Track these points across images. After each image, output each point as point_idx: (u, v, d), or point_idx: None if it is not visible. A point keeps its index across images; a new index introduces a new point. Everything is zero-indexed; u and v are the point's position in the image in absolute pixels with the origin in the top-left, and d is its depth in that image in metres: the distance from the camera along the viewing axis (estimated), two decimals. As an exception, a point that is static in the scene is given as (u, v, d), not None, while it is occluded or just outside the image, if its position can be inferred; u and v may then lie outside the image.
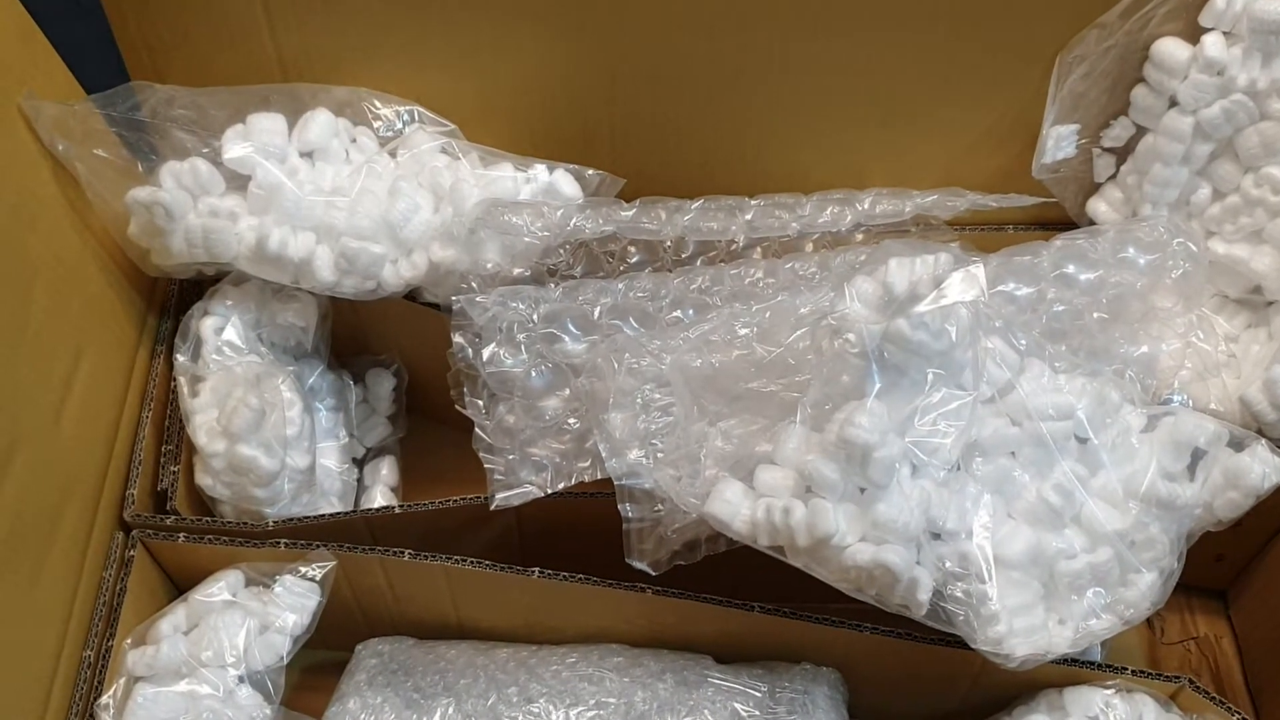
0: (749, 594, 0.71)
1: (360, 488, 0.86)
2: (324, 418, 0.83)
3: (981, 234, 0.86)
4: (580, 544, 0.72)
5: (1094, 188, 0.83)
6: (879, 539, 0.59)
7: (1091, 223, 0.83)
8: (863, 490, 0.59)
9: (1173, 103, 0.77)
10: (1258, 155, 0.76)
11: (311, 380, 0.82)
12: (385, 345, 0.88)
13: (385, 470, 0.86)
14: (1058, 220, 0.85)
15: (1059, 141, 0.80)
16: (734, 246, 0.78)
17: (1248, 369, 0.77)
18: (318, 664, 0.80)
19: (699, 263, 0.78)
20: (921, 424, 0.59)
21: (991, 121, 0.82)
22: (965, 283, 0.56)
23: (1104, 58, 0.77)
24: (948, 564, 0.60)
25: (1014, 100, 0.80)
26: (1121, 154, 0.82)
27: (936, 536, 0.61)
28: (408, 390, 0.89)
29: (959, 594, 0.60)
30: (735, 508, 0.61)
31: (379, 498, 0.84)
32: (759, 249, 0.79)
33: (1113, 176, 0.83)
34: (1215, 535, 0.81)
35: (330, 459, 0.82)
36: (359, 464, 0.87)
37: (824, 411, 0.59)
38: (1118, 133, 0.80)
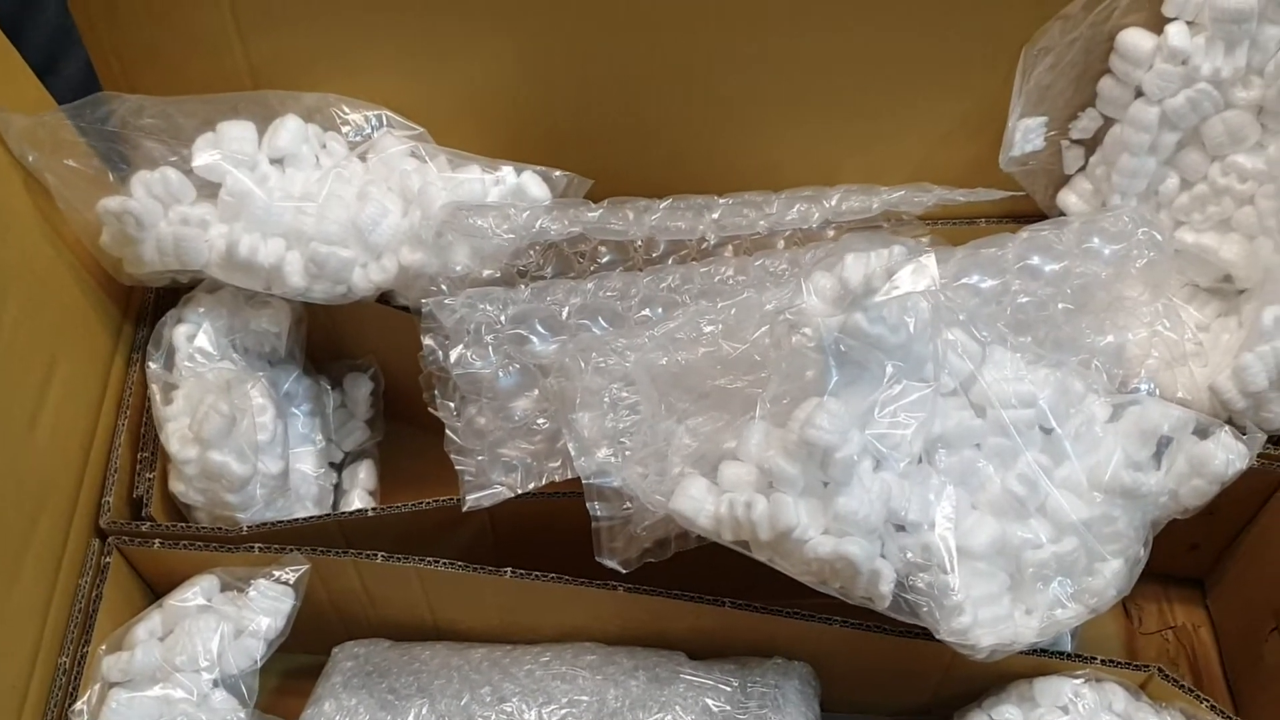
0: (724, 591, 0.71)
1: (338, 492, 0.86)
2: (300, 422, 0.83)
3: (953, 227, 0.86)
4: (555, 544, 0.72)
5: (1064, 180, 0.84)
6: (840, 531, 0.59)
7: (1062, 215, 0.83)
8: (825, 484, 0.60)
9: (1138, 93, 0.77)
10: (1223, 144, 0.76)
11: (287, 385, 0.82)
12: (362, 349, 0.88)
13: (363, 474, 0.87)
14: (1030, 213, 0.85)
15: (1027, 134, 0.81)
16: (705, 245, 0.79)
17: (1218, 357, 0.78)
18: (298, 668, 0.81)
19: (670, 261, 0.78)
20: (881, 417, 0.59)
21: (962, 113, 0.82)
22: (916, 274, 0.57)
23: (1069, 49, 0.77)
24: (909, 555, 0.60)
25: (984, 92, 0.81)
26: (1090, 145, 0.82)
27: (901, 529, 0.62)
28: (386, 394, 0.90)
29: (921, 585, 0.60)
30: (700, 504, 0.62)
31: (356, 501, 0.85)
32: (730, 247, 0.79)
33: (1082, 168, 0.83)
34: (1189, 524, 0.81)
35: (306, 464, 0.82)
36: (337, 468, 0.87)
37: (783, 406, 0.59)
38: (1085, 124, 0.81)
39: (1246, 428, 0.68)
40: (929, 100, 0.81)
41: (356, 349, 0.89)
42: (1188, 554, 0.86)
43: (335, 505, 0.85)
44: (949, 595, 0.60)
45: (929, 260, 0.57)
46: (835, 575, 0.60)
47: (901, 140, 0.84)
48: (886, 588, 0.60)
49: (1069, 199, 0.83)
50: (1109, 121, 0.80)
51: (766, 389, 0.60)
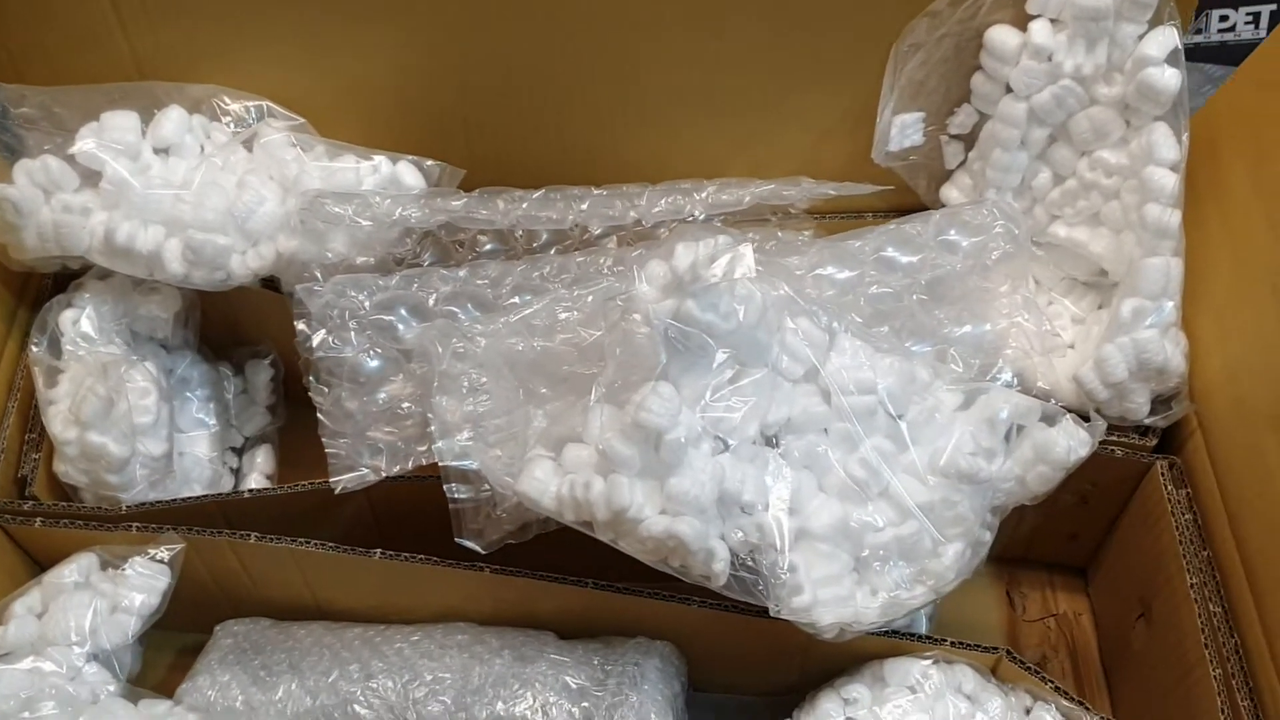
0: (608, 575, 0.73)
1: (239, 476, 0.88)
2: (195, 407, 0.85)
3: (839, 221, 0.87)
4: (433, 526, 0.73)
5: (946, 175, 0.85)
6: (675, 512, 0.60)
7: (945, 209, 0.85)
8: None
9: (1008, 89, 0.78)
10: (1089, 140, 0.77)
11: (180, 370, 0.84)
12: (262, 336, 0.90)
13: (261, 459, 0.88)
14: (916, 207, 0.86)
15: (904, 129, 0.82)
16: (587, 236, 0.80)
17: (1089, 349, 0.79)
18: (192, 646, 0.82)
19: (553, 252, 0.80)
20: (715, 401, 0.61)
21: (842, 110, 0.84)
22: (733, 262, 0.58)
23: (939, 46, 0.79)
24: (739, 534, 0.61)
25: (861, 89, 0.82)
26: (969, 140, 0.83)
27: (743, 510, 0.63)
28: (288, 380, 0.91)
29: (753, 564, 0.62)
30: (544, 485, 0.63)
31: (253, 485, 0.87)
32: (615, 238, 0.81)
33: (963, 163, 0.84)
34: (1068, 513, 0.83)
35: (200, 447, 0.84)
36: (238, 453, 0.89)
37: (616, 390, 0.61)
38: (962, 120, 0.82)
39: (1090, 416, 0.70)
40: (808, 97, 0.83)
41: (257, 336, 0.90)
42: (1068, 544, 0.88)
43: (235, 489, 0.87)
44: (781, 574, 0.62)
45: (746, 249, 0.59)
46: (673, 554, 0.62)
47: (783, 137, 0.85)
48: (720, 566, 0.61)
49: (951, 193, 0.85)
50: (985, 117, 0.81)
51: (603, 373, 0.62)
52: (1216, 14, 1.28)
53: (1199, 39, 1.27)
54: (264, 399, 0.90)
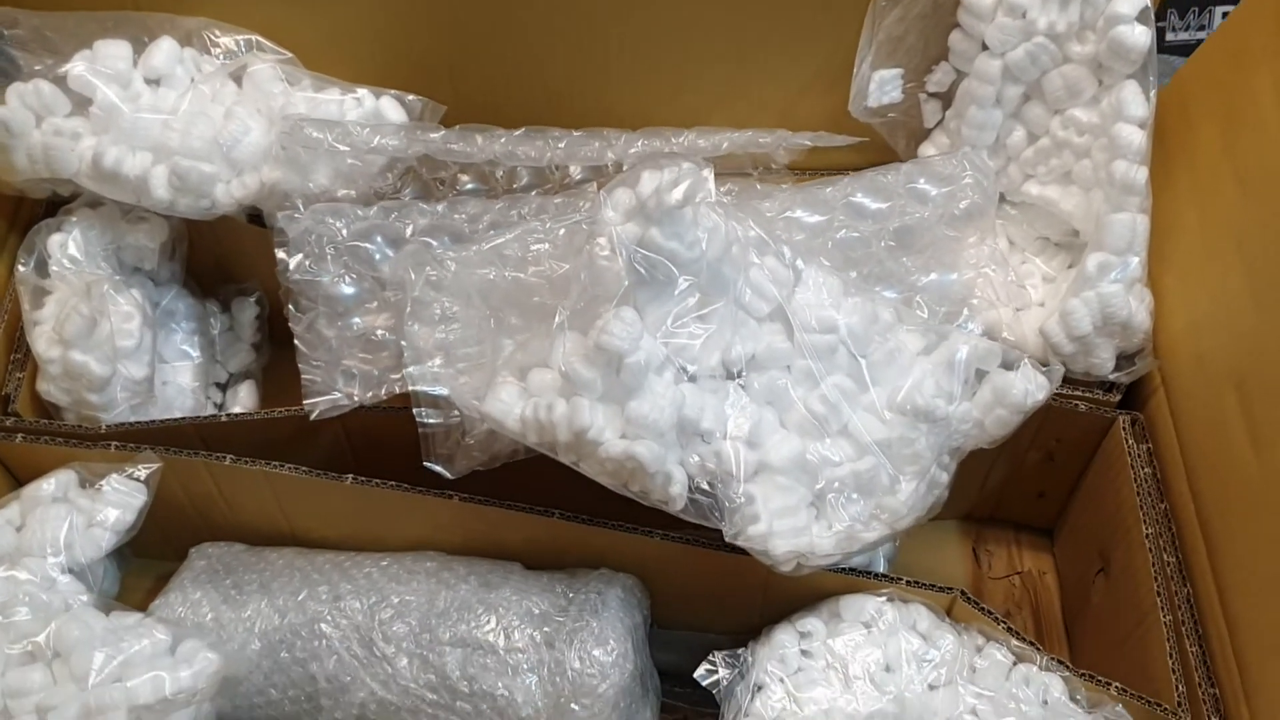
0: (586, 511, 0.74)
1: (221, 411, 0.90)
2: (179, 338, 0.87)
3: (820, 177, 0.88)
4: (409, 460, 0.75)
5: (925, 133, 0.86)
6: (635, 435, 0.62)
7: (923, 167, 0.86)
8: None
9: (984, 46, 0.80)
10: (1062, 98, 0.79)
11: (166, 301, 0.85)
12: (249, 274, 0.92)
13: (244, 394, 0.90)
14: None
15: (882, 85, 0.83)
16: (567, 180, 0.82)
17: (1058, 305, 0.80)
18: (170, 573, 0.83)
19: (533, 194, 0.81)
20: (677, 327, 0.62)
21: (819, 65, 0.85)
22: (694, 186, 0.60)
23: (916, 2, 0.80)
24: (695, 458, 0.63)
25: (839, 44, 0.84)
26: (947, 99, 0.85)
27: (703, 438, 0.65)
28: (275, 319, 0.93)
29: (710, 488, 0.63)
30: (509, 407, 0.65)
31: (234, 417, 0.88)
32: (595, 184, 0.83)
33: (940, 121, 0.86)
34: (1035, 471, 0.84)
35: (184, 378, 0.86)
36: (222, 389, 0.91)
37: (580, 314, 0.62)
38: (940, 77, 0.83)
39: (1049, 363, 0.71)
40: (785, 53, 0.85)
41: (245, 274, 0.92)
42: (1036, 502, 0.89)
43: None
44: (737, 500, 0.63)
45: (708, 173, 0.60)
46: (632, 478, 0.63)
47: (763, 91, 0.87)
48: (677, 490, 0.63)
49: (928, 152, 0.86)
50: (962, 75, 0.82)
51: (568, 297, 0.63)
52: (1220, 10, 1.29)
53: (1201, 35, 1.29)
54: (249, 336, 0.92)
